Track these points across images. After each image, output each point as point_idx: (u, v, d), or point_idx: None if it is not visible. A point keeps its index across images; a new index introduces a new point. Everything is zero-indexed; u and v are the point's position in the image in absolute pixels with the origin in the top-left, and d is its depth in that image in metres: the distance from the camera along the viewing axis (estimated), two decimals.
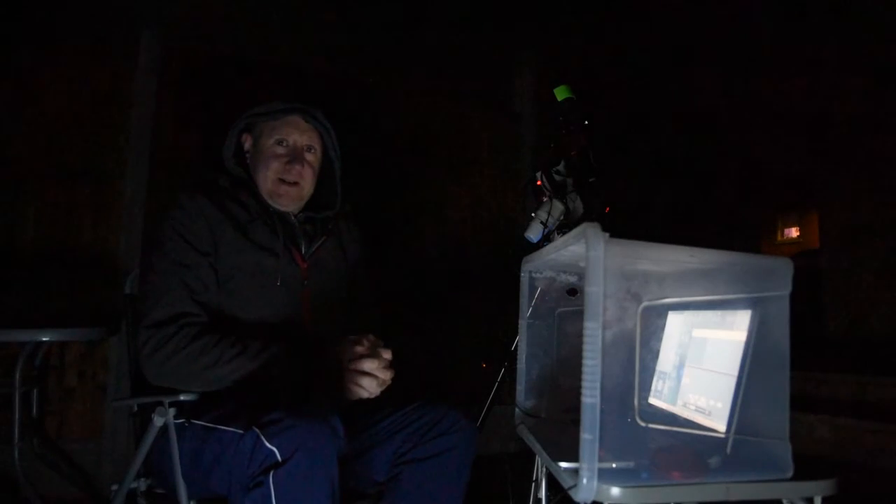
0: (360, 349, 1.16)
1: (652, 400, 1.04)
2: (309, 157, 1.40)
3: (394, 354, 1.21)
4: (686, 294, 1.02)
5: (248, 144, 1.43)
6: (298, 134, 1.38)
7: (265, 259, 1.28)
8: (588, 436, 0.75)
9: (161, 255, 1.21)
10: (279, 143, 1.37)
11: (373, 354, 1.16)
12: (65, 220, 2.41)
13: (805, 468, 0.82)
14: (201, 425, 1.12)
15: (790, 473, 0.81)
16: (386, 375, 1.17)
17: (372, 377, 1.15)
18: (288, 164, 1.36)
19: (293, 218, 1.40)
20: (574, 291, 1.27)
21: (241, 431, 1.01)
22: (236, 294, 1.24)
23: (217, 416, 1.11)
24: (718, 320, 0.94)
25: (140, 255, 1.43)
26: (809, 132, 4.31)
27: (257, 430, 0.96)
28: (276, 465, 0.93)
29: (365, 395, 1.15)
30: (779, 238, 7.22)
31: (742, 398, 0.83)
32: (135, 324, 1.34)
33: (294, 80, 2.92)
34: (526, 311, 1.29)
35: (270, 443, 0.94)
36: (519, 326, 1.30)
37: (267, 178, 1.35)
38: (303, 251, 1.36)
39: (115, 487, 1.30)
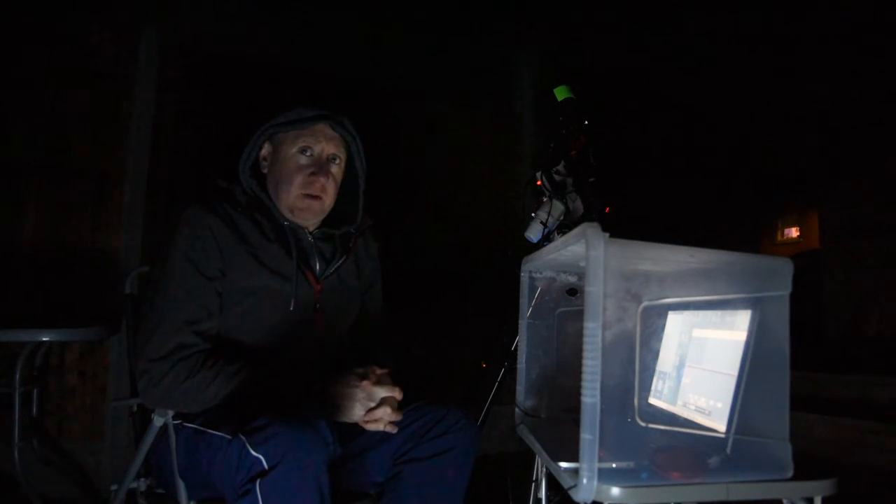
0: (370, 391, 1.14)
1: (652, 400, 1.04)
2: (333, 168, 1.30)
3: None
4: (686, 294, 1.02)
5: (265, 151, 1.32)
6: (325, 142, 1.29)
7: (277, 283, 1.22)
8: (588, 436, 0.75)
9: (164, 275, 1.16)
10: (303, 151, 1.28)
11: (384, 400, 1.14)
12: (65, 220, 2.41)
13: (805, 468, 0.82)
14: (193, 428, 1.12)
15: (790, 473, 0.81)
16: (396, 418, 1.16)
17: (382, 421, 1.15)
18: (312, 175, 1.27)
19: (308, 235, 1.33)
20: (574, 291, 1.27)
21: (228, 437, 1.00)
22: (246, 317, 1.21)
23: (206, 420, 1.11)
24: (718, 320, 0.94)
25: (150, 262, 1.38)
26: (810, 132, 4.31)
27: (243, 438, 0.95)
28: (263, 473, 0.92)
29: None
30: (779, 238, 7.21)
31: (742, 398, 0.83)
32: (135, 327, 1.34)
33: (294, 80, 2.92)
34: (526, 311, 1.29)
35: (256, 451, 0.93)
36: (519, 326, 1.30)
37: (290, 193, 1.27)
38: (316, 272, 1.30)
39: (115, 487, 1.30)
